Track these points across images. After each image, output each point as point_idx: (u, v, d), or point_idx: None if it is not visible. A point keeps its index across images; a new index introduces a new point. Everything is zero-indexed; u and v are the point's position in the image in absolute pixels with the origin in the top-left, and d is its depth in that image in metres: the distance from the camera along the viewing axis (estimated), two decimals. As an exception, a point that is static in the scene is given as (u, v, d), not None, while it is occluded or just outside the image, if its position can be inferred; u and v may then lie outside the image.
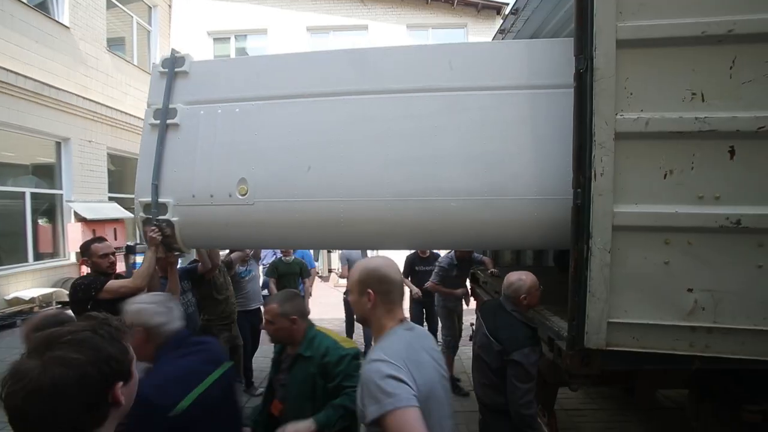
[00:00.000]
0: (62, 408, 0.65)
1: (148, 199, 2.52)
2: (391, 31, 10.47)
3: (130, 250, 8.56)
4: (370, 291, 1.29)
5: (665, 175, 1.77)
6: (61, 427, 0.66)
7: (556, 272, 3.90)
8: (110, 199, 8.42)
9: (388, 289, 1.30)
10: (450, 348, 4.08)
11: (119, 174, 9.29)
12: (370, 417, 1.10)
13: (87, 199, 7.78)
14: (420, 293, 4.45)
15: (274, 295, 2.38)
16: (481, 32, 10.35)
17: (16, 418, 0.65)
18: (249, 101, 2.52)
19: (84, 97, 7.68)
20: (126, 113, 8.82)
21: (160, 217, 2.51)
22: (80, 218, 7.39)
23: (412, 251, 4.66)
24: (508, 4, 9.93)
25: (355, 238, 2.69)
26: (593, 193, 1.79)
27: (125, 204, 8.77)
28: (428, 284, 4.23)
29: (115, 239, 8.08)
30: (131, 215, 8.64)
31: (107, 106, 8.26)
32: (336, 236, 2.53)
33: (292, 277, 4.60)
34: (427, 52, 2.58)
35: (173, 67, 2.61)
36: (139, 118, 9.16)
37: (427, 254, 4.55)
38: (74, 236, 7.34)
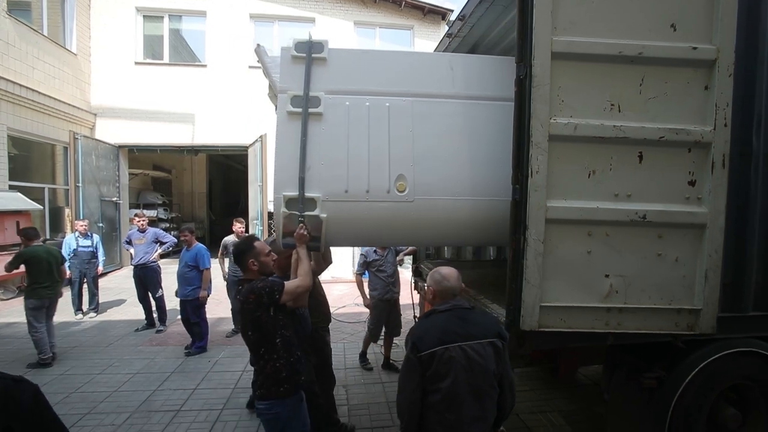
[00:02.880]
0: None
1: (291, 193, 2.33)
2: (338, 27, 10.39)
3: (37, 247, 7.54)
4: None
5: (589, 175, 2.02)
6: None
7: (492, 266, 4.20)
8: (11, 188, 7.31)
9: None
10: (372, 336, 4.34)
11: (24, 159, 8.10)
12: None
13: (-19, 187, 6.70)
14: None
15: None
16: (427, 35, 10.68)
17: None
18: (399, 96, 2.45)
19: (-23, 68, 6.59)
20: (33, 90, 7.71)
21: (307, 213, 2.33)
22: (-29, 209, 6.34)
23: None
24: (452, 11, 10.38)
25: None
26: (530, 189, 1.98)
27: (31, 194, 7.68)
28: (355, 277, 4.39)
29: (18, 234, 7.04)
30: (39, 207, 7.60)
31: (7, 80, 7.16)
32: (502, 235, 2.44)
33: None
34: None
35: (310, 52, 2.44)
36: (48, 96, 8.09)
37: None
38: (-37, 230, 6.28)
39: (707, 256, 2.04)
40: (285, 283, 2.17)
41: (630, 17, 1.99)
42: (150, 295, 5.56)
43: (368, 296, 4.31)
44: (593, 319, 2.06)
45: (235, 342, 5.09)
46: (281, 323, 2.12)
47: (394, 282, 4.28)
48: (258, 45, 2.81)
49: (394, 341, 4.43)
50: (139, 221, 5.77)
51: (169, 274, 5.18)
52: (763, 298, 2.32)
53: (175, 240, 5.85)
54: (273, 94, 2.95)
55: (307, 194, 2.35)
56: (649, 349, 2.34)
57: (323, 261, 2.91)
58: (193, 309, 4.75)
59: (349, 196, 2.39)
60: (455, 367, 1.65)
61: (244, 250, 2.22)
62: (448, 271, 1.87)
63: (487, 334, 1.72)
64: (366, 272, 4.32)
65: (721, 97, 2.01)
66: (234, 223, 5.39)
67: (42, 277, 4.32)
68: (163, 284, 5.63)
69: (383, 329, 4.31)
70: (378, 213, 2.42)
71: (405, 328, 4.48)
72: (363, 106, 2.45)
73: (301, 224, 2.31)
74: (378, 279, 4.23)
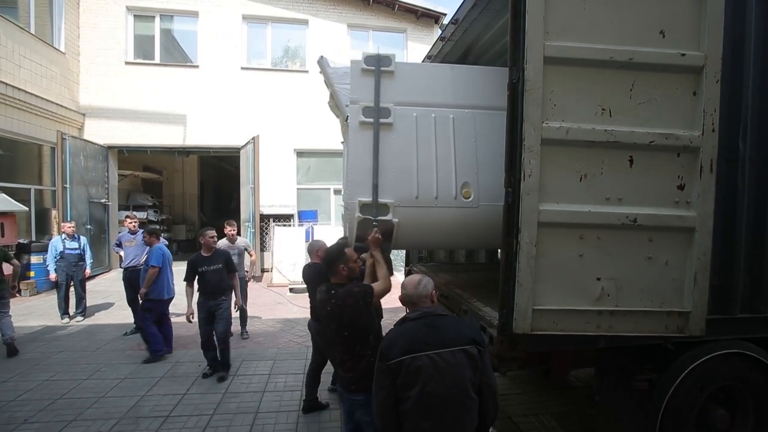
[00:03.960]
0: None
1: (365, 199, 2.50)
2: (331, 29, 10.38)
3: (23, 249, 7.38)
4: None
5: (581, 179, 2.03)
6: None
7: (484, 268, 4.21)
8: (-4, 189, 7.16)
9: None
10: None
11: (9, 160, 7.94)
12: None
13: (-36, 188, 6.53)
14: (193, 313, 4.03)
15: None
16: (420, 39, 10.72)
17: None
18: (463, 109, 2.58)
19: (-39, 67, 6.45)
20: (19, 89, 7.56)
21: (380, 218, 2.50)
22: (-46, 210, 6.19)
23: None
24: (446, 14, 10.45)
25: None
26: (522, 192, 1.99)
27: (17, 195, 7.52)
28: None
29: (3, 236, 6.89)
30: (24, 208, 7.46)
31: (-7, 80, 7.02)
32: None
33: None
34: None
35: (379, 65, 2.61)
36: (35, 95, 7.95)
37: (211, 253, 4.12)
38: (-55, 232, 6.12)
39: (696, 259, 2.07)
40: (374, 286, 2.30)
41: (620, 23, 2.02)
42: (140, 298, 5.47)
43: None
44: (585, 321, 2.07)
45: (226, 346, 5.02)
46: (371, 322, 2.28)
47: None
48: (321, 57, 2.98)
49: None
50: (130, 223, 5.67)
51: (116, 281, 5.11)
52: (751, 301, 2.36)
53: (166, 242, 5.77)
54: (333, 103, 3.13)
55: (380, 200, 2.51)
56: (640, 352, 2.36)
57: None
58: (144, 310, 4.57)
59: (419, 202, 2.57)
60: (423, 375, 1.64)
61: (337, 256, 2.33)
62: (407, 280, 1.89)
63: (458, 342, 1.69)
64: None
65: (709, 102, 2.05)
66: (225, 226, 5.31)
67: None
68: None
69: None
70: (445, 218, 2.59)
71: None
72: (429, 117, 2.63)
73: (375, 228, 2.46)
74: None
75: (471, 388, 1.67)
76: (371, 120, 2.55)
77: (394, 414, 1.69)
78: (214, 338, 4.09)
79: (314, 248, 3.52)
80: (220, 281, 4.10)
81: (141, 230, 5.73)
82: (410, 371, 1.64)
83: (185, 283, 4.03)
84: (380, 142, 2.55)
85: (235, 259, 5.02)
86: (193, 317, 4.02)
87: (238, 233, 5.56)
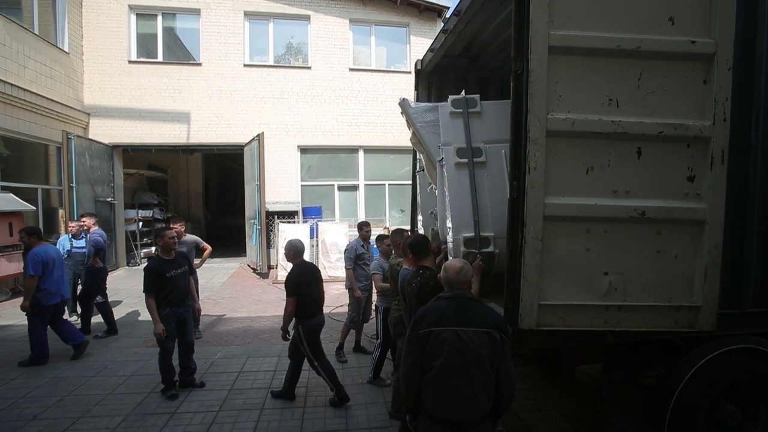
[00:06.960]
0: None
1: (468, 234, 2.71)
2: (333, 24, 10.31)
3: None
4: None
5: (587, 171, 1.99)
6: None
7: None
8: (3, 189, 7.22)
9: None
10: (354, 323, 4.55)
11: (16, 160, 8.00)
12: None
13: (-29, 188, 6.59)
14: (162, 332, 3.47)
15: None
16: (423, 33, 10.62)
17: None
18: None
19: (-34, 67, 6.48)
20: (24, 89, 7.60)
21: (483, 250, 2.67)
22: (-38, 210, 6.25)
23: (154, 256, 3.94)
24: (448, 8, 10.33)
25: None
26: (527, 186, 1.95)
27: (24, 195, 7.58)
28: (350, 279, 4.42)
29: (11, 235, 6.95)
30: (32, 208, 7.52)
31: (-1, 80, 7.06)
32: None
33: None
34: None
35: (467, 107, 2.77)
36: (40, 95, 7.99)
37: (173, 256, 3.74)
38: (-46, 232, 6.18)
39: (706, 252, 2.02)
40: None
41: (628, 10, 1.97)
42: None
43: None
44: (592, 317, 2.04)
45: (232, 342, 5.05)
46: None
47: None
48: (403, 99, 3.14)
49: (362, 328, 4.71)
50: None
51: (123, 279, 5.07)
52: (763, 295, 2.30)
53: (101, 243, 5.51)
54: (416, 140, 3.29)
55: (482, 234, 2.70)
56: (649, 347, 2.31)
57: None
58: (30, 316, 4.30)
59: None
60: (447, 348, 1.77)
61: (426, 239, 2.83)
62: (450, 264, 1.98)
63: (484, 324, 1.80)
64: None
65: (720, 91, 1.99)
66: (172, 224, 5.08)
67: None
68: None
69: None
70: None
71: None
72: None
73: (479, 257, 2.67)
74: (363, 271, 4.48)
75: (489, 368, 1.78)
76: (465, 160, 2.71)
77: (418, 380, 1.84)
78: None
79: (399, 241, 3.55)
80: (188, 284, 3.83)
81: (97, 229, 5.64)
82: (437, 342, 1.78)
83: (146, 294, 3.49)
84: (475, 179, 2.71)
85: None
86: (164, 333, 3.49)
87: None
